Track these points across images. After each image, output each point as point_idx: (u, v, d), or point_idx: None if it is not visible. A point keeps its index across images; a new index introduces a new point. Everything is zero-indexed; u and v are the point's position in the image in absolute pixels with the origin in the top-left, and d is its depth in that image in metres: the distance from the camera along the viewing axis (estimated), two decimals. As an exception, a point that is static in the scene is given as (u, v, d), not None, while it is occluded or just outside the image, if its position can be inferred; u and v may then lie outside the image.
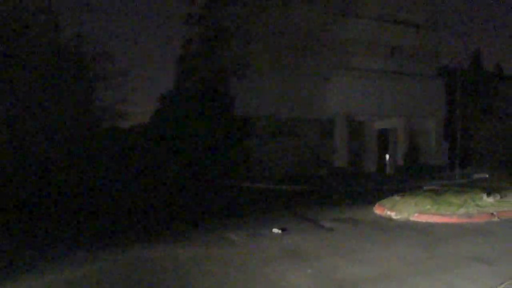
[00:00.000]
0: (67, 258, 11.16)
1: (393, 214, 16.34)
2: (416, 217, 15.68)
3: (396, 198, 18.58)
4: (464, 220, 15.25)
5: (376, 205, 18.04)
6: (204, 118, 40.98)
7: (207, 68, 45.24)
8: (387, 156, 37.91)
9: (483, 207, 16.74)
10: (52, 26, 34.96)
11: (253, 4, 37.52)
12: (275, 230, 13.92)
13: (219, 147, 39.27)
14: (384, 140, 40.11)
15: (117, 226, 15.85)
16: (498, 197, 18.38)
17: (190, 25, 49.61)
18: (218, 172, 37.02)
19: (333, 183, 30.36)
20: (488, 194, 18.49)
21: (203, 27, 47.46)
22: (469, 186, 22.65)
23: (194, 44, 50.00)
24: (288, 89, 35.15)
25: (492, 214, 15.83)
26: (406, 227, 14.60)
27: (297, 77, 35.32)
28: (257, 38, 36.89)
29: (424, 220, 15.39)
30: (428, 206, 16.73)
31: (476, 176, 31.33)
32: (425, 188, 22.56)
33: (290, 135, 37.03)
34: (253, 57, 37.18)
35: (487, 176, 28.75)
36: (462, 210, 16.12)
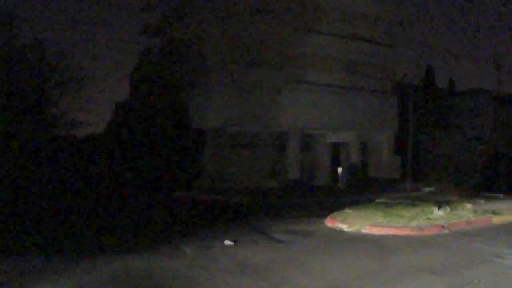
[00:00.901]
0: (10, 269, 10.81)
1: (345, 227, 16.33)
2: (368, 230, 15.70)
3: (348, 211, 18.64)
4: (415, 232, 15.35)
5: (328, 218, 18.00)
6: (159, 129, 40.63)
7: (163, 78, 44.94)
8: (340, 169, 38.09)
9: (434, 220, 16.92)
10: (9, 31, 34.43)
11: (210, 16, 37.42)
12: (228, 242, 13.77)
13: (174, 158, 38.92)
14: (337, 153, 40.30)
15: (68, 236, 15.42)
16: (448, 210, 18.65)
17: (148, 35, 49.30)
18: (173, 184, 36.64)
19: (286, 196, 30.33)
20: (439, 207, 18.75)
21: (160, 38, 47.21)
22: (420, 200, 22.92)
23: (151, 54, 49.66)
24: (243, 101, 35.04)
25: (442, 226, 16.00)
26: (358, 239, 14.59)
27: (253, 90, 35.25)
28: (214, 50, 36.76)
29: (375, 233, 15.42)
30: (380, 219, 16.82)
31: (427, 189, 31.75)
32: (376, 201, 22.75)
33: (245, 147, 36.93)
34: (209, 69, 37.01)
35: (438, 189, 29.16)
36: (413, 223, 16.25)
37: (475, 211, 19.20)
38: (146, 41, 49.88)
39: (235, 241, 13.90)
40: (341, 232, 15.93)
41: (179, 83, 41.23)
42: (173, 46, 43.17)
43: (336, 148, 40.06)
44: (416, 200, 22.51)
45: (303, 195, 30.52)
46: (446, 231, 15.69)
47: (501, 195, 25.38)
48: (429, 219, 17.07)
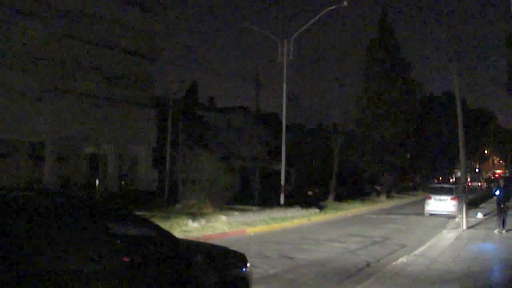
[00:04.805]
0: None
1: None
2: (121, 243, 15.07)
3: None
4: (168, 245, 15.06)
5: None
6: None
7: None
8: (97, 182, 36.90)
9: (189, 232, 16.85)
10: None
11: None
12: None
13: None
14: (95, 165, 39.10)
15: None
16: (203, 222, 18.72)
17: None
18: None
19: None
20: (193, 220, 18.74)
21: None
22: (176, 213, 22.79)
23: None
24: (0, 108, 32.51)
25: (197, 238, 15.94)
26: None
27: (9, 96, 32.81)
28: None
29: (128, 245, 14.85)
30: (134, 232, 16.29)
31: (183, 203, 31.87)
32: (132, 214, 22.17)
33: (1, 156, 34.30)
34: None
35: (194, 202, 29.39)
36: (167, 235, 15.97)
37: (230, 223, 19.56)
38: None
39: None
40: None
41: None
42: None
43: (94, 160, 38.87)
44: (171, 213, 22.35)
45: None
46: (201, 242, 15.66)
47: (255, 208, 26.29)
48: (183, 231, 16.95)
